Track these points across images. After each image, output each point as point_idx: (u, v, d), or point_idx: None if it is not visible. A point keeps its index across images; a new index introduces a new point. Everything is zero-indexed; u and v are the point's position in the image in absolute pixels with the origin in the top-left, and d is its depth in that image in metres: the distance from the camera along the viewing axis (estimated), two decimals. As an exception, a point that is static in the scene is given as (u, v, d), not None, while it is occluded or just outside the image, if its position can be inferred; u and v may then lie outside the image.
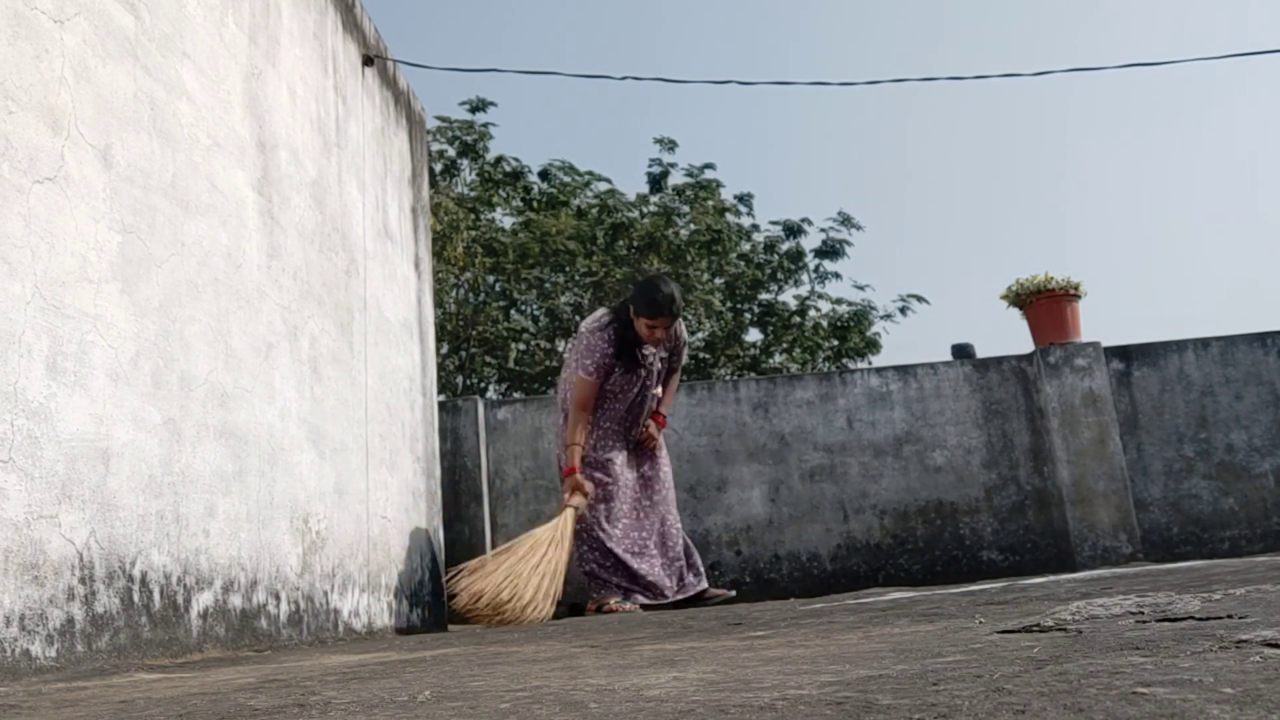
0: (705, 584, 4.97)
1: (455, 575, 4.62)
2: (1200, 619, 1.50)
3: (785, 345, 12.99)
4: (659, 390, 5.11)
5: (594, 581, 4.85)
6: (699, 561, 5.03)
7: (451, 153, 12.72)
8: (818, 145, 30.78)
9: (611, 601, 4.74)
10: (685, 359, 5.32)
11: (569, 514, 4.76)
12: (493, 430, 6.37)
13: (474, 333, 11.65)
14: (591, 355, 4.87)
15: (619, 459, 4.96)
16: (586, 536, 4.87)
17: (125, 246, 2.80)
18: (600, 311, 5.11)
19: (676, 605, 4.72)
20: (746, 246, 13.36)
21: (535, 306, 12.65)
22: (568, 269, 12.26)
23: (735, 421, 6.24)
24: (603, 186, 13.17)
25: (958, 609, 2.19)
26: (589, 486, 4.84)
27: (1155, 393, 6.06)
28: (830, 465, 6.16)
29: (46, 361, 2.42)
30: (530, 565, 4.50)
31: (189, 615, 2.95)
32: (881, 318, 13.32)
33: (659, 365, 5.06)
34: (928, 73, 16.51)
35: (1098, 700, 0.92)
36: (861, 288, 14.98)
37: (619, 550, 4.83)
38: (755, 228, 13.61)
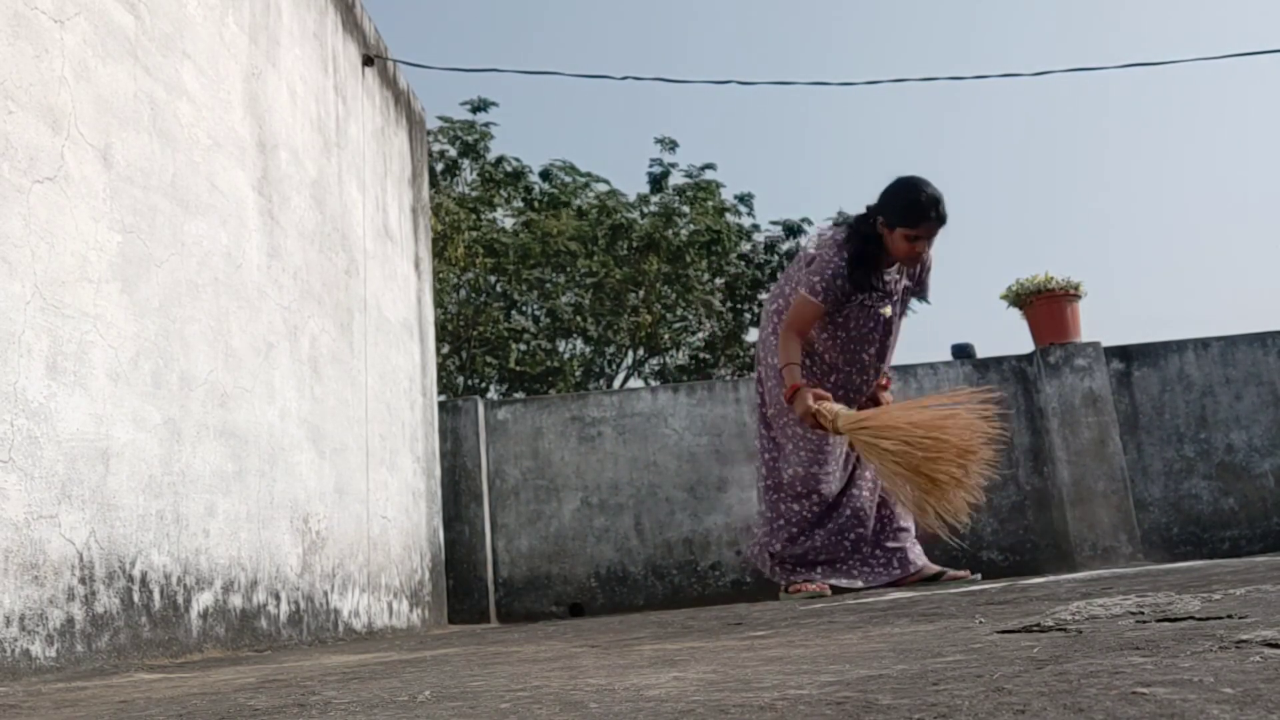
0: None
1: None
2: (1200, 619, 1.50)
3: (786, 345, 12.97)
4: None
5: (781, 564, 4.09)
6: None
7: (453, 153, 12.73)
8: (818, 145, 30.79)
9: (800, 586, 4.00)
10: (930, 291, 4.16)
11: (831, 413, 3.79)
12: (493, 430, 6.38)
13: (475, 333, 11.65)
14: (822, 273, 3.84)
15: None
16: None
17: (125, 246, 2.80)
18: (826, 227, 4.11)
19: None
20: (747, 247, 13.37)
21: (536, 307, 12.66)
22: (568, 269, 12.26)
23: (735, 421, 6.24)
24: (603, 188, 13.18)
25: (958, 609, 2.19)
26: (822, 393, 3.87)
27: (1155, 393, 6.06)
28: (830, 465, 6.16)
29: (46, 361, 2.42)
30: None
31: (189, 615, 2.95)
32: (881, 318, 13.30)
33: (899, 297, 4.07)
34: (928, 73, 16.52)
35: (1098, 700, 0.92)
36: (862, 288, 14.96)
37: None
38: (755, 228, 13.62)
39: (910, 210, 3.84)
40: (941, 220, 3.87)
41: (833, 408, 3.81)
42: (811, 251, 3.98)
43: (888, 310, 4.00)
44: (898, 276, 4.02)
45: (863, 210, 4.00)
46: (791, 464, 4.03)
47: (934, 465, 3.57)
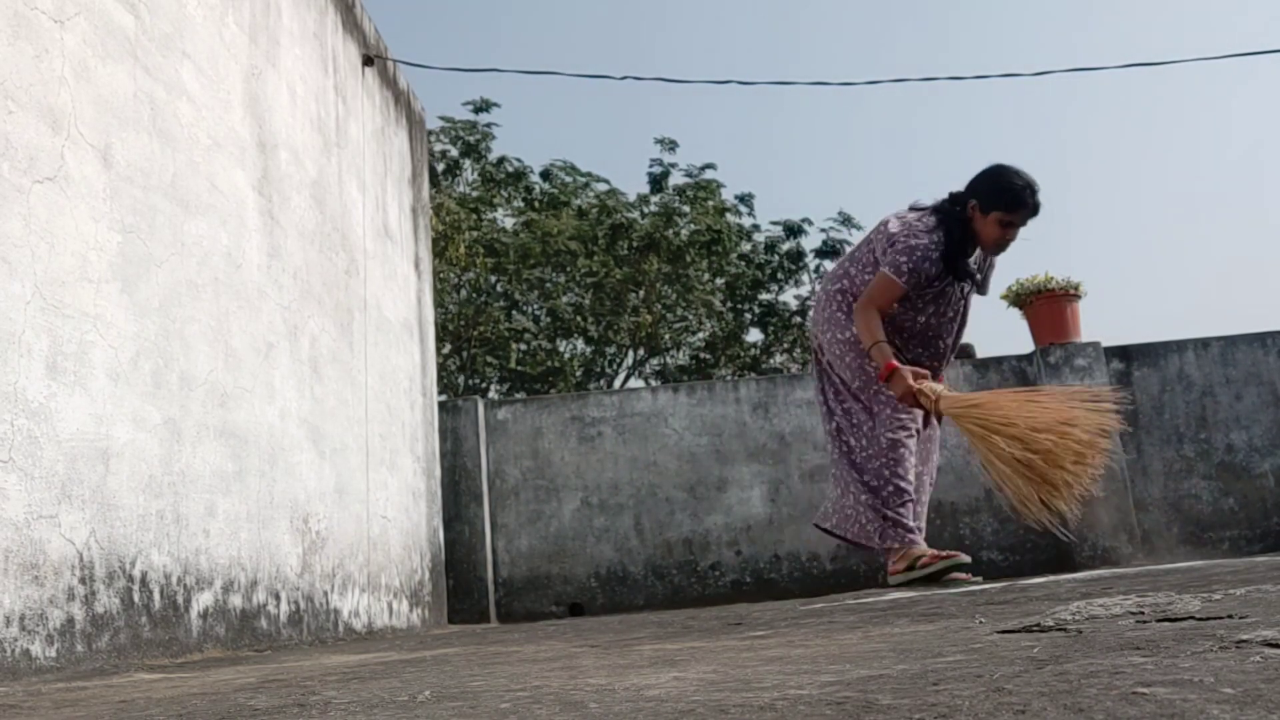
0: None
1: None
2: (1200, 619, 1.50)
3: (786, 345, 13.00)
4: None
5: (898, 527, 3.79)
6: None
7: (454, 153, 12.74)
8: (818, 145, 30.79)
9: (930, 552, 3.73)
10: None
11: (933, 392, 3.62)
12: (493, 430, 6.38)
13: (475, 333, 11.66)
14: (911, 256, 3.72)
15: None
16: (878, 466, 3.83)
17: (125, 246, 2.80)
18: (905, 211, 3.91)
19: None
20: (747, 247, 13.37)
21: (536, 307, 12.66)
22: (569, 269, 12.27)
23: (735, 421, 6.24)
24: (603, 188, 13.19)
25: (958, 609, 2.19)
26: (921, 371, 3.72)
27: (1155, 393, 6.06)
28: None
29: (46, 361, 2.42)
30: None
31: (189, 615, 2.95)
32: (882, 318, 13.29)
33: (970, 288, 3.98)
34: (928, 72, 16.52)
35: (1098, 700, 0.92)
36: (862, 288, 14.94)
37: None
38: (756, 228, 13.62)
39: (1008, 194, 3.76)
40: (1037, 208, 3.79)
41: (934, 387, 3.68)
42: (894, 231, 3.81)
43: (965, 291, 3.90)
44: (975, 266, 3.94)
45: (945, 197, 3.90)
46: (893, 427, 3.82)
47: (1046, 463, 3.44)
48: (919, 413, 3.84)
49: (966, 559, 3.71)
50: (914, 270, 3.72)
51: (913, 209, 3.93)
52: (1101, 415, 3.47)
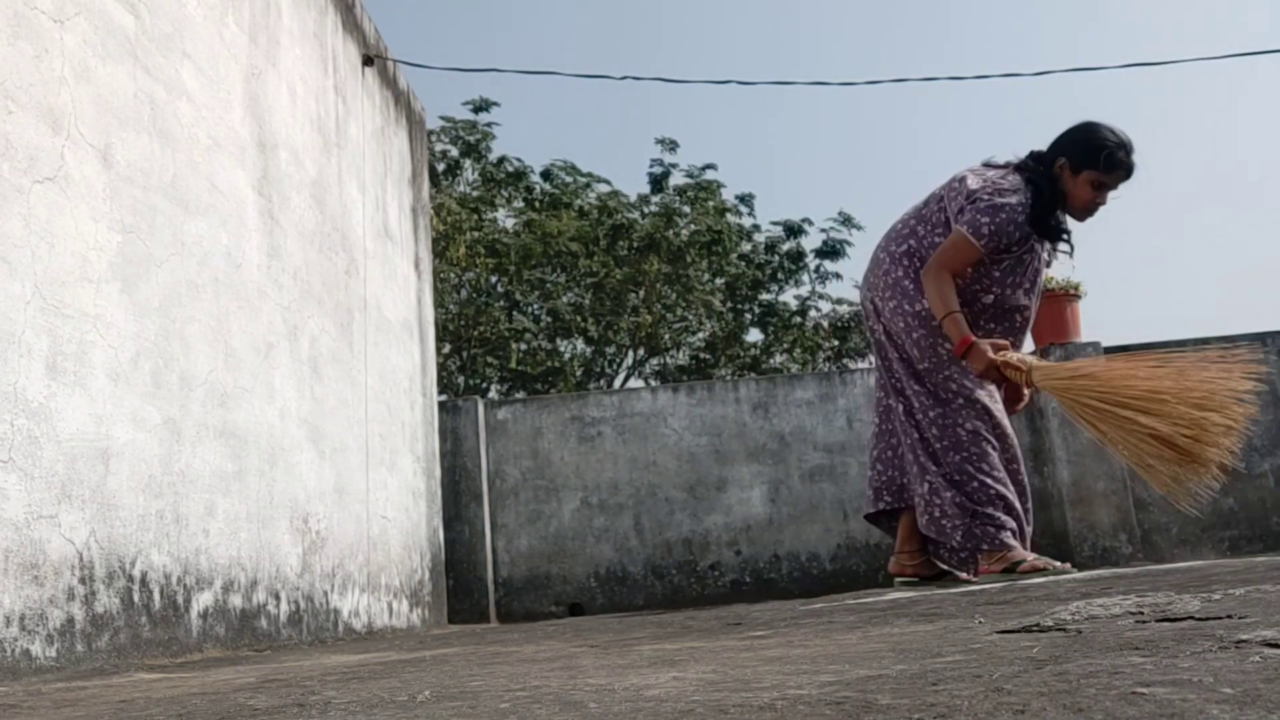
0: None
1: None
2: (1200, 619, 1.50)
3: (786, 345, 13.00)
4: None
5: (986, 524, 3.41)
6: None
7: (454, 153, 12.73)
8: (818, 145, 30.79)
9: (1030, 558, 3.35)
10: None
11: (1023, 363, 3.19)
12: (493, 430, 6.38)
13: (476, 333, 11.66)
14: (994, 217, 3.32)
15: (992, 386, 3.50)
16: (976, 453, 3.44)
17: (125, 246, 2.80)
18: (982, 168, 3.54)
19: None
20: (747, 247, 13.37)
21: (537, 307, 12.67)
22: (569, 269, 12.27)
23: (735, 421, 6.24)
24: (604, 188, 13.19)
25: (957, 609, 2.19)
26: (1001, 342, 3.32)
27: (1155, 393, 6.06)
28: (830, 465, 6.16)
29: (46, 361, 2.42)
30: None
31: (189, 615, 2.95)
32: (882, 318, 13.28)
33: (1048, 258, 3.60)
34: (928, 73, 16.52)
35: (1097, 700, 0.92)
36: (862, 288, 14.93)
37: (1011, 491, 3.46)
38: (756, 228, 13.62)
39: (1103, 152, 3.38)
40: (1131, 169, 3.42)
41: (1023, 358, 3.26)
42: (974, 188, 3.42)
43: (1042, 260, 3.55)
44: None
45: (1027, 156, 3.54)
46: (969, 416, 3.49)
47: (1160, 426, 3.11)
48: (998, 395, 3.52)
49: (1077, 575, 3.35)
50: (995, 233, 3.33)
51: (988, 165, 3.58)
52: (1230, 378, 3.15)
